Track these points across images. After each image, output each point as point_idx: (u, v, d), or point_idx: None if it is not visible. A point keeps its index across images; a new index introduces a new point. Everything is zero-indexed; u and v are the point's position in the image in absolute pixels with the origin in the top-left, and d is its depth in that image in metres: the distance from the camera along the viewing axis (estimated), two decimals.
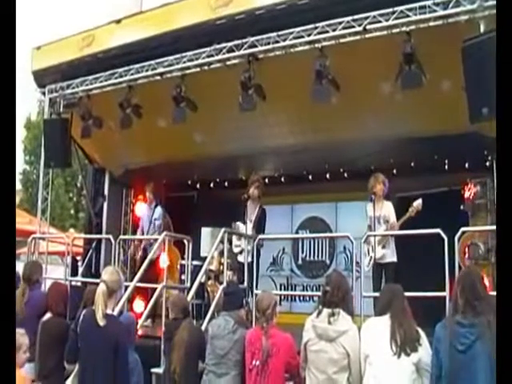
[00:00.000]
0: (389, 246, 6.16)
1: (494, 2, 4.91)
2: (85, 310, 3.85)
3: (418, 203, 6.07)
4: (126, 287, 5.64)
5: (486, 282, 6.17)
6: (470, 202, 7.96)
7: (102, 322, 3.58)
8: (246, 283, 6.27)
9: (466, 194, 8.11)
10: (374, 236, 6.06)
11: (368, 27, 5.73)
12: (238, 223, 6.94)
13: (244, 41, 6.48)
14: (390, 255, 6.15)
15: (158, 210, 8.19)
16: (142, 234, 8.38)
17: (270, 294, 4.35)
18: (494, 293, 3.55)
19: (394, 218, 6.22)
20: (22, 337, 3.59)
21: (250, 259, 6.52)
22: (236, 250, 7.07)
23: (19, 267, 5.63)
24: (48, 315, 4.78)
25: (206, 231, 9.16)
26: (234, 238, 7.08)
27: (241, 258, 6.69)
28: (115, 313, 4.06)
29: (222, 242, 6.45)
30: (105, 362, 3.56)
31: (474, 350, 3.11)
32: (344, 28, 5.89)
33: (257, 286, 6.50)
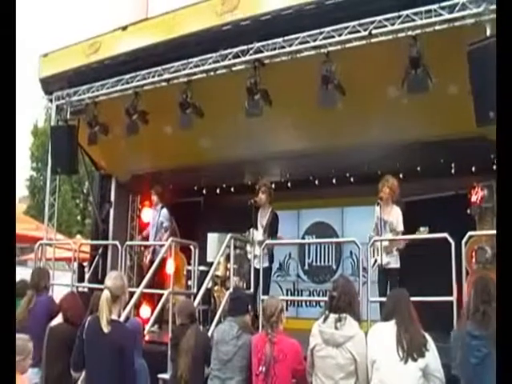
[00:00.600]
0: (393, 253, 6.10)
1: None
2: (90, 316, 3.85)
3: (423, 230, 5.90)
4: (132, 293, 5.65)
5: None
6: (477, 206, 7.90)
7: (106, 329, 3.56)
8: (252, 289, 6.25)
9: (473, 198, 8.04)
10: (381, 241, 6.03)
11: (374, 32, 5.73)
12: (252, 230, 6.91)
13: (250, 46, 6.50)
14: (394, 262, 6.09)
15: (164, 211, 8.21)
16: (149, 237, 8.40)
17: (276, 300, 4.31)
18: None
19: (401, 227, 6.15)
20: (27, 343, 3.59)
21: (263, 265, 6.51)
22: (250, 256, 7.03)
23: (27, 273, 5.65)
24: (56, 321, 4.78)
25: (212, 237, 9.17)
26: (248, 245, 7.06)
27: (256, 265, 6.62)
28: (122, 318, 4.06)
29: (228, 247, 6.45)
30: (111, 368, 3.54)
31: (488, 362, 3.09)
32: (350, 33, 5.89)
33: (268, 292, 6.47)
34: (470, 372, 3.17)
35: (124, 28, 7.78)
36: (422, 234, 5.90)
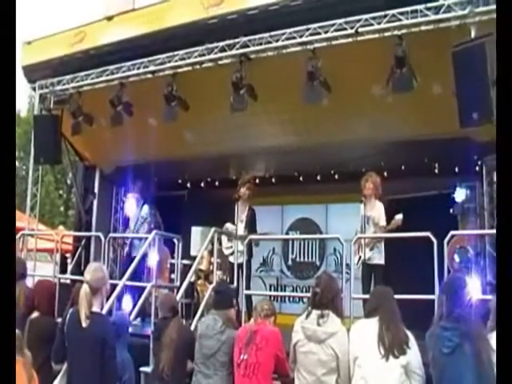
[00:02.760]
0: (377, 248, 6.17)
1: (485, 8, 4.98)
2: (71, 309, 3.80)
3: (398, 218, 6.06)
4: (115, 285, 5.63)
5: (475, 285, 6.24)
6: (460, 206, 8.02)
7: (85, 323, 3.54)
8: (235, 283, 6.27)
9: (456, 198, 8.16)
10: (364, 238, 6.09)
11: (360, 30, 5.76)
12: (228, 224, 6.92)
13: (236, 41, 6.50)
14: (378, 257, 6.16)
15: (145, 207, 8.19)
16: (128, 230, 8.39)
17: (268, 303, 4.39)
18: (483, 296, 3.61)
19: (384, 222, 6.23)
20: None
21: (241, 260, 6.52)
22: (227, 251, 7.05)
23: None
24: (36, 313, 4.75)
25: (196, 230, 9.15)
26: (224, 239, 7.06)
27: (232, 259, 6.66)
28: (104, 311, 4.04)
29: (212, 241, 6.45)
30: (91, 361, 3.52)
31: (460, 352, 3.15)
32: (336, 30, 5.91)
33: (248, 287, 6.50)
34: (443, 363, 3.23)
35: (110, 18, 7.72)
36: (397, 221, 6.02)
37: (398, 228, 6.02)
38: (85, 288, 3.63)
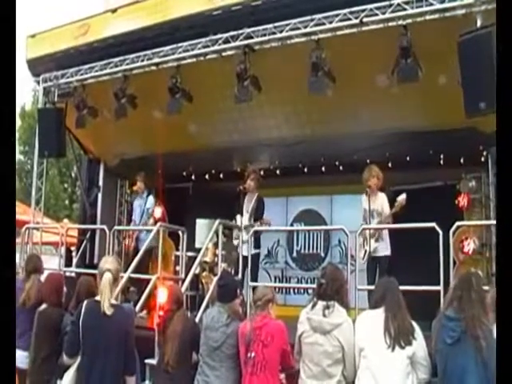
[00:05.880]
0: (382, 239, 6.14)
1: None
2: (86, 301, 3.71)
3: (402, 198, 5.99)
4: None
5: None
6: (466, 197, 7.99)
7: (109, 311, 3.50)
8: (240, 275, 6.26)
9: (462, 189, 8.13)
10: (369, 229, 6.06)
11: (365, 20, 5.73)
12: (238, 217, 6.89)
13: (240, 32, 6.47)
14: (384, 249, 6.13)
15: (150, 199, 8.18)
16: (134, 223, 8.37)
17: (267, 289, 4.31)
18: (488, 287, 3.57)
19: (388, 210, 6.20)
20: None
21: (248, 252, 6.50)
22: (236, 242, 7.01)
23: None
24: (44, 305, 4.78)
25: (200, 223, 9.16)
26: (235, 231, 7.04)
27: (244, 251, 6.60)
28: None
29: (216, 233, 6.44)
30: (116, 351, 3.51)
31: (462, 343, 3.14)
32: (341, 20, 5.88)
33: (256, 278, 6.48)
34: (445, 353, 3.23)
35: (114, 11, 7.69)
36: (400, 203, 5.97)
37: (403, 208, 5.97)
38: (108, 276, 3.59)
